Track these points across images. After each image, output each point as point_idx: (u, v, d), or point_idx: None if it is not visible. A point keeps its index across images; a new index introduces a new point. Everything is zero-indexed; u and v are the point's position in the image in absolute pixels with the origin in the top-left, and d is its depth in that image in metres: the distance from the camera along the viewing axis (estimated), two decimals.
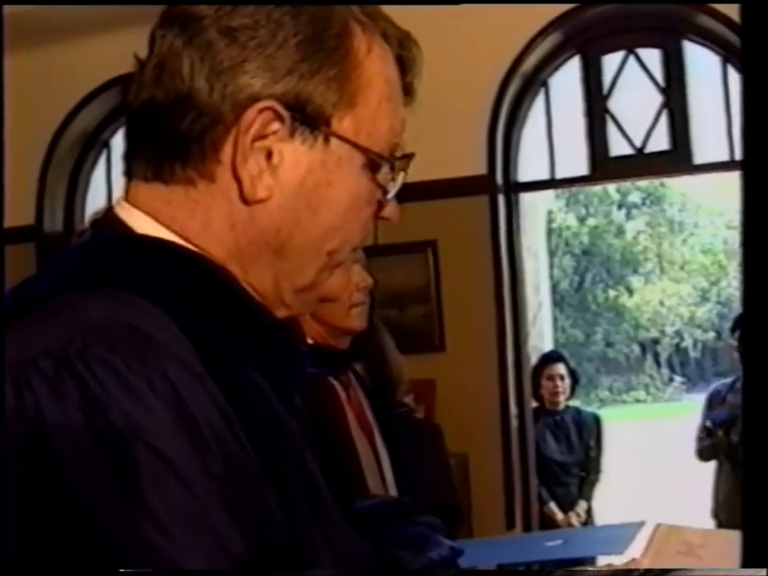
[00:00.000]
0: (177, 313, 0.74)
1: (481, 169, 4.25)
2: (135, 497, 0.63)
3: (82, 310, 0.71)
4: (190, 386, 0.68)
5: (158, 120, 0.80)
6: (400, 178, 0.85)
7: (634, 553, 1.17)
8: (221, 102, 0.78)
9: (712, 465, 4.91)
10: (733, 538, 0.76)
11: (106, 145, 5.07)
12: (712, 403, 5.02)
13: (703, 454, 4.90)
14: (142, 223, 0.81)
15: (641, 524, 1.50)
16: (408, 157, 0.86)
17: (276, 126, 0.79)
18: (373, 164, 0.83)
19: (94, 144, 5.03)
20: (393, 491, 2.11)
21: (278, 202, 0.80)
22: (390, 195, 0.86)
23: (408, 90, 0.87)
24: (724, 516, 4.78)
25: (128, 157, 0.84)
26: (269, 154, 0.79)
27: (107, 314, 0.70)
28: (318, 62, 0.79)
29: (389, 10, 0.87)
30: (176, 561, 0.63)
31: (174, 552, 0.63)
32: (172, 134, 0.79)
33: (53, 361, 0.66)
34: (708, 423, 4.84)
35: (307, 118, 0.79)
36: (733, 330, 5.00)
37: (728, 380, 5.19)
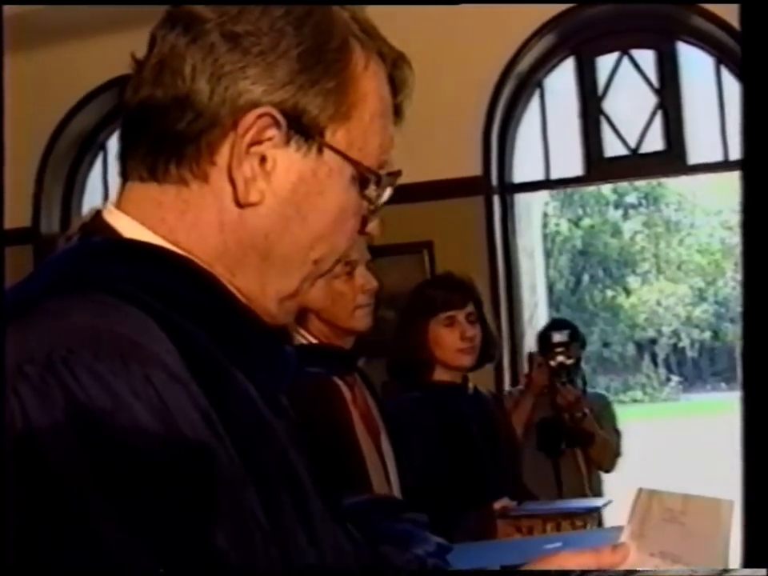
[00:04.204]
0: (161, 317, 0.74)
1: (476, 170, 4.26)
2: (119, 502, 0.64)
3: (67, 316, 0.71)
4: (173, 391, 0.69)
5: (155, 118, 0.81)
6: (386, 194, 0.87)
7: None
8: (220, 105, 0.79)
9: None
10: (711, 504, 0.77)
11: (103, 147, 5.06)
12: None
13: None
14: (129, 227, 0.82)
15: None
16: (395, 174, 0.87)
17: (272, 132, 0.80)
18: (362, 178, 0.84)
19: (90, 146, 5.03)
20: (397, 491, 2.12)
21: (269, 206, 0.81)
22: (375, 210, 0.87)
23: (397, 111, 0.88)
24: None
25: (123, 156, 0.85)
26: (262, 159, 0.80)
27: (91, 320, 0.71)
28: (317, 73, 0.81)
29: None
30: (162, 567, 0.64)
31: (158, 557, 0.64)
32: (169, 132, 0.80)
33: (38, 367, 0.67)
34: None
35: (303, 128, 0.81)
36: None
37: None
